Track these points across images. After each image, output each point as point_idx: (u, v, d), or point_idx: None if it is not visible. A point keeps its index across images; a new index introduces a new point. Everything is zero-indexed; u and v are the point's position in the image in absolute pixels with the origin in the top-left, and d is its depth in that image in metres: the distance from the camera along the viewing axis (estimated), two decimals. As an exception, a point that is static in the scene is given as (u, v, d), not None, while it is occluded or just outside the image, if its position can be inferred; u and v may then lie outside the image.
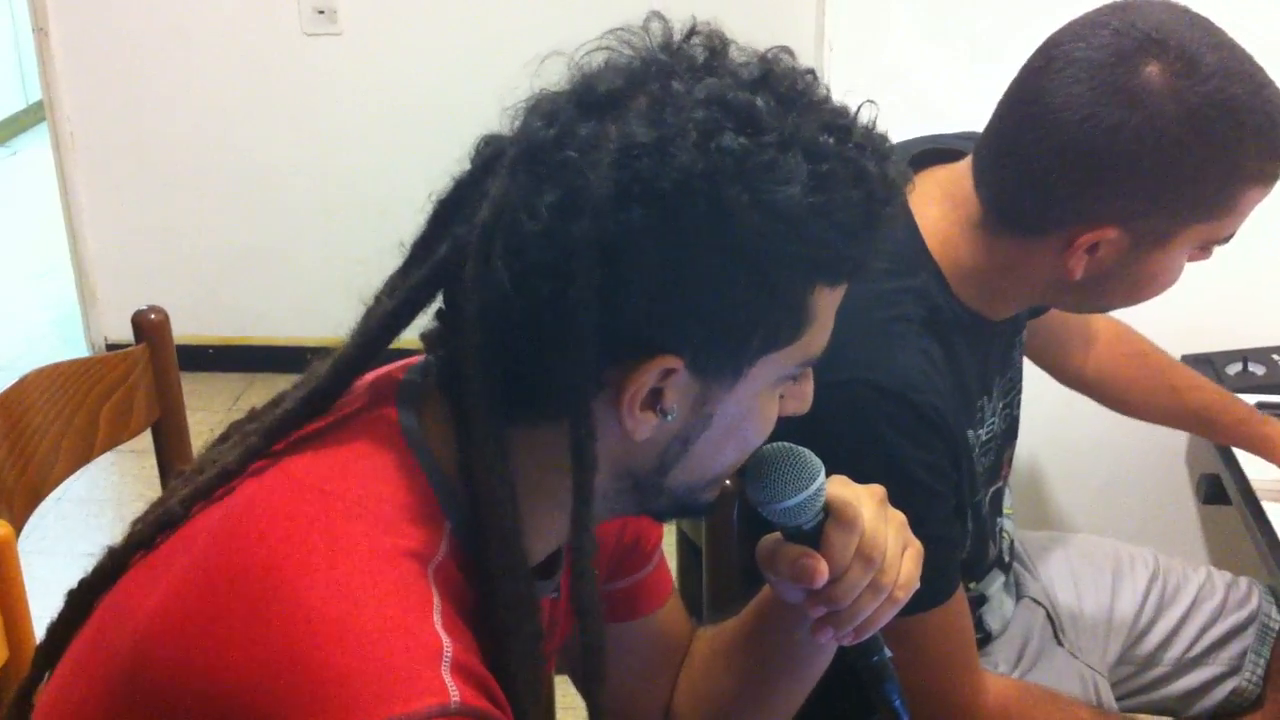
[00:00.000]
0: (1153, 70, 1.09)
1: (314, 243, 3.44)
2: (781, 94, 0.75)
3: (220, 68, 3.41)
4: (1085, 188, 1.12)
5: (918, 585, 0.92)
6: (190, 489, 0.81)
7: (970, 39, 1.97)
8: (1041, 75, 1.14)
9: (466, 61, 3.26)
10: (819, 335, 0.81)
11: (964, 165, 1.23)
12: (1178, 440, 2.05)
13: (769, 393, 0.82)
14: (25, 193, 4.90)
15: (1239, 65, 1.11)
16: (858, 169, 0.75)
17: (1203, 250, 1.21)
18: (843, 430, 1.11)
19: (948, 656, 1.20)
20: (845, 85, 0.80)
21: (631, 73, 0.76)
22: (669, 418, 0.78)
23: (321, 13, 3.33)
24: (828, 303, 0.80)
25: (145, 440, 1.37)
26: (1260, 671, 1.56)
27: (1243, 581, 1.62)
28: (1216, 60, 1.10)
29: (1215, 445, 1.68)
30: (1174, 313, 1.62)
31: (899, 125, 1.38)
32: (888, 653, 0.94)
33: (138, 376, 1.32)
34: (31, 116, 5.64)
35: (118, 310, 3.57)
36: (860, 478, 1.01)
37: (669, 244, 0.72)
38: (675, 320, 0.75)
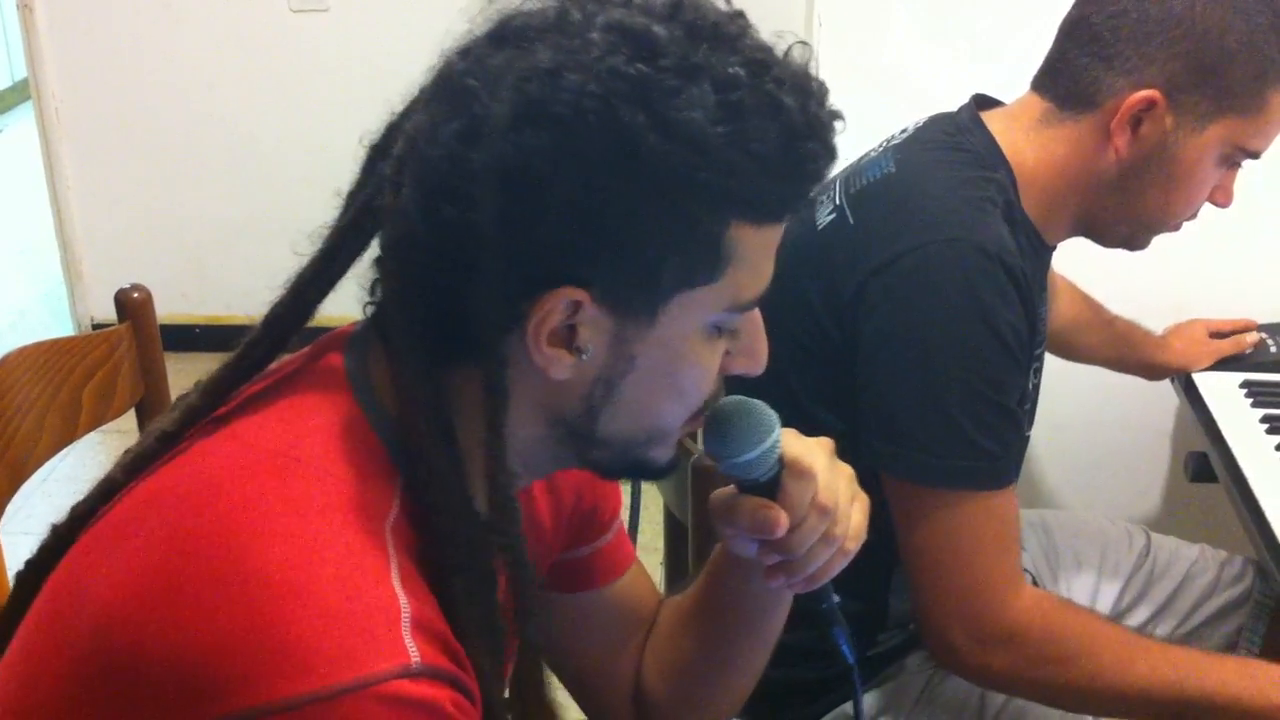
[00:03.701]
0: None
1: (301, 220, 3.39)
2: (691, 25, 0.74)
3: (208, 44, 3.39)
4: (1138, 45, 1.24)
5: (865, 536, 0.93)
6: (131, 456, 0.81)
7: (970, 39, 1.97)
8: None
9: (453, 37, 3.24)
10: (747, 278, 0.78)
11: (1019, 97, 1.35)
12: (1164, 419, 2.06)
13: (701, 340, 0.80)
14: (11, 171, 4.87)
15: None
16: (773, 102, 0.74)
17: (1230, 166, 1.30)
18: (944, 285, 1.18)
19: (996, 543, 1.21)
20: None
21: (545, 11, 0.76)
22: (584, 356, 0.77)
23: (308, -11, 3.32)
24: (752, 242, 0.77)
25: (130, 420, 1.36)
26: (1256, 649, 1.56)
27: (1237, 559, 1.63)
28: None
29: (1201, 423, 1.68)
30: (1179, 283, 1.64)
31: (898, 125, 1.39)
32: (836, 598, 0.96)
33: (121, 355, 1.31)
34: (16, 94, 5.61)
35: (104, 288, 3.55)
36: (956, 333, 1.14)
37: (567, 168, 0.72)
38: (579, 249, 0.74)
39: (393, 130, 0.80)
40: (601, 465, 0.86)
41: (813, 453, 0.91)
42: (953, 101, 1.39)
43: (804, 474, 0.90)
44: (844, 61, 1.95)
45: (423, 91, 0.79)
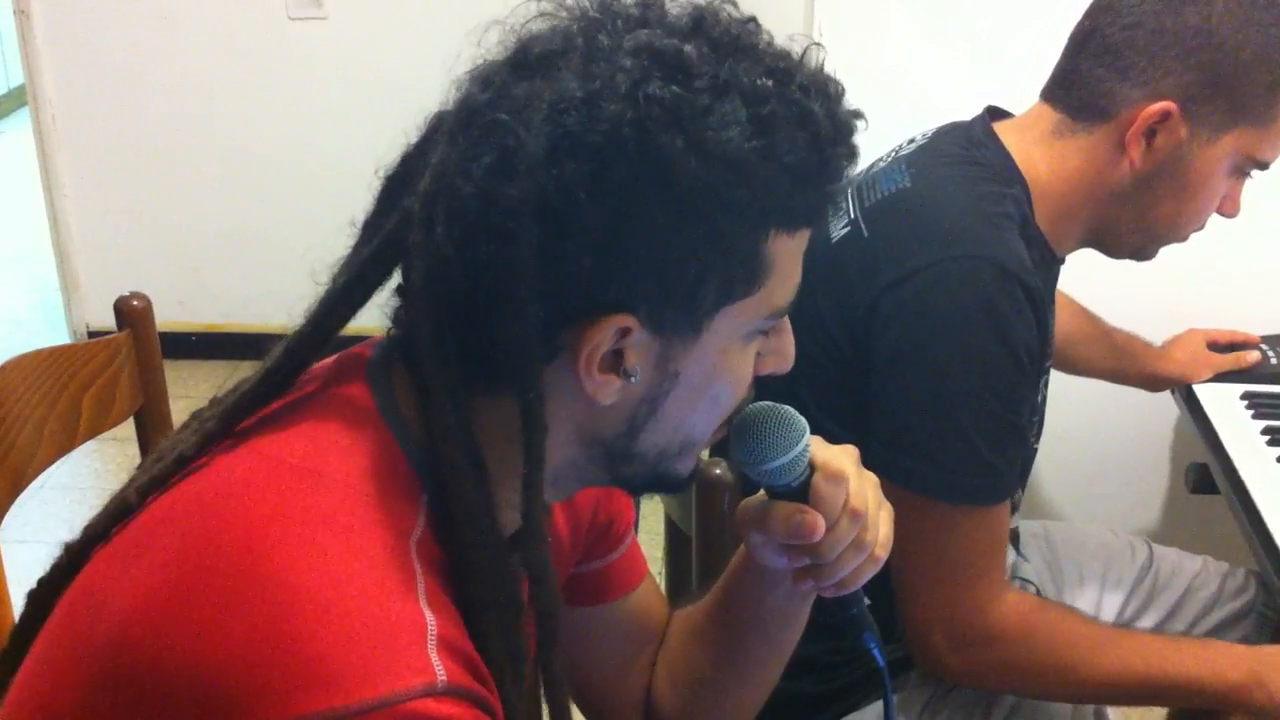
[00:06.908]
0: None
1: (299, 229, 3.40)
2: (715, 40, 0.74)
3: (205, 52, 3.39)
4: (1153, 56, 1.24)
5: (891, 544, 0.93)
6: (147, 477, 0.79)
7: (970, 39, 1.97)
8: None
9: (451, 46, 3.23)
10: (782, 286, 0.79)
11: (1029, 108, 1.35)
12: (1165, 430, 2.06)
13: (738, 349, 0.80)
14: (6, 178, 4.86)
15: None
16: (802, 111, 0.74)
17: (1239, 177, 1.31)
18: (961, 302, 1.18)
19: (987, 554, 1.23)
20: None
21: (566, 33, 0.75)
22: (633, 380, 0.76)
23: (307, -3, 3.32)
24: (787, 251, 0.78)
25: (128, 428, 1.35)
26: None
27: (1240, 571, 1.63)
28: None
29: (1202, 434, 1.68)
30: (1177, 293, 1.62)
31: (899, 125, 1.39)
32: (866, 601, 0.96)
33: (120, 363, 1.30)
34: (13, 101, 5.60)
35: (100, 296, 3.54)
36: (972, 350, 1.15)
37: (607, 198, 0.71)
38: (623, 277, 0.73)
39: (410, 161, 0.79)
40: (631, 481, 0.86)
41: (841, 458, 0.91)
42: (954, 102, 1.39)
43: (836, 477, 0.89)
44: (845, 63, 1.95)
45: (442, 122, 0.77)
